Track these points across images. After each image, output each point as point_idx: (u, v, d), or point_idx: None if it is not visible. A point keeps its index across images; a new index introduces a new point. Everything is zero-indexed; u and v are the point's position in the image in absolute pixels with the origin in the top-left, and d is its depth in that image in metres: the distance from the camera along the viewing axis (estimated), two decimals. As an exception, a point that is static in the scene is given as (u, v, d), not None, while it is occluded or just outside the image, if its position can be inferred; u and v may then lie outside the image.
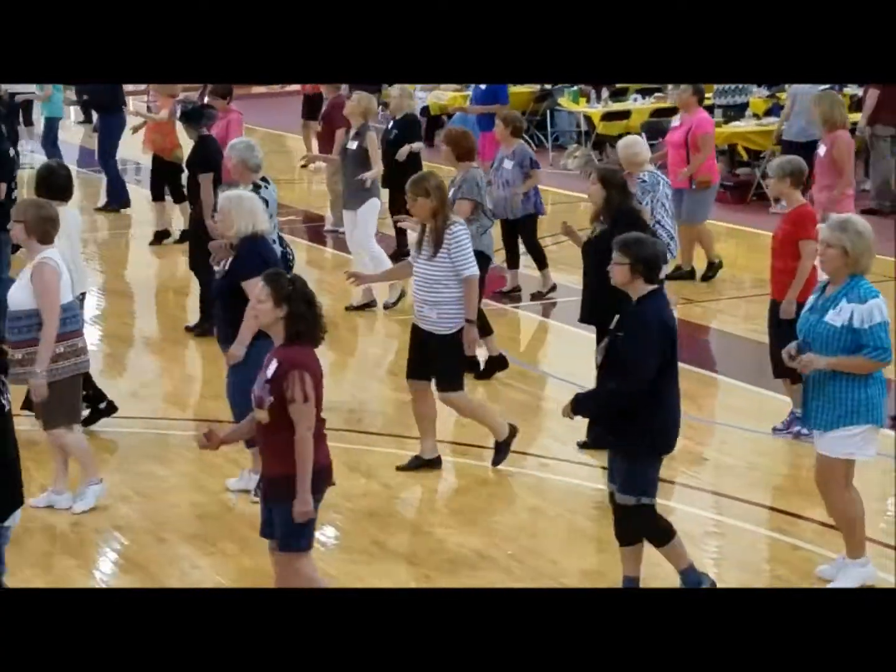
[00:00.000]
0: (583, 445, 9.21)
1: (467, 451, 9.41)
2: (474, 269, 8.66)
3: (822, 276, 7.58)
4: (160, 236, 15.95)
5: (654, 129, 19.60)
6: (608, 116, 19.79)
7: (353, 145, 12.71)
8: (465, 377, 9.22)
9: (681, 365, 7.13)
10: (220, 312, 8.57)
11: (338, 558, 7.89)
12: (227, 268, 8.36)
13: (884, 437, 9.08)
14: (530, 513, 8.53)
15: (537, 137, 22.30)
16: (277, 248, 9.36)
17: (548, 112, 21.79)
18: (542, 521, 8.40)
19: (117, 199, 17.69)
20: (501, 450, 9.03)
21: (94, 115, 20.36)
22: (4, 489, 5.92)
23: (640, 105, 20.49)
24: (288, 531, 6.41)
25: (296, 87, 17.47)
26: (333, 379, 10.43)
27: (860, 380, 6.98)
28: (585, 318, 9.17)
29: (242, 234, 8.27)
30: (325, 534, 8.24)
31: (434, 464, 9.03)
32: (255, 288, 7.45)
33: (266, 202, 9.41)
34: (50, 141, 19.22)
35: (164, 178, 15.85)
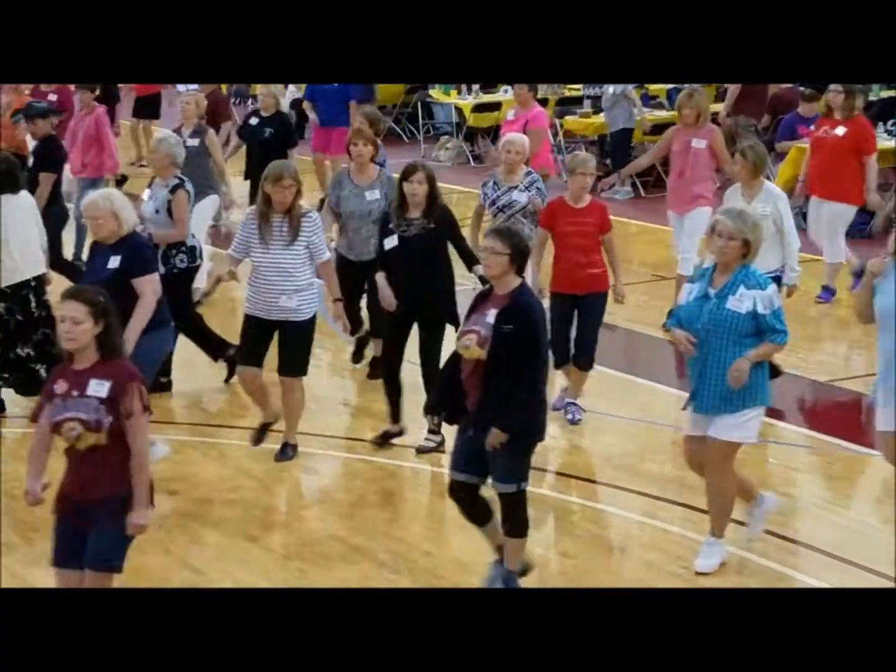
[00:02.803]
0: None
1: (338, 444, 9.35)
2: (328, 254, 8.86)
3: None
4: None
5: (525, 120, 19.68)
6: (479, 108, 19.84)
7: (194, 142, 12.48)
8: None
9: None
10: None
11: (209, 555, 7.78)
12: (116, 266, 8.25)
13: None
14: (402, 504, 8.50)
15: (409, 130, 22.31)
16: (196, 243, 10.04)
17: (419, 104, 21.78)
18: (414, 513, 8.37)
19: None
20: (263, 431, 9.14)
21: None
22: None
23: (510, 97, 20.51)
24: (112, 551, 6.03)
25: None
26: (188, 371, 10.36)
27: (756, 365, 7.13)
28: (411, 311, 9.01)
29: (131, 230, 8.28)
30: (195, 530, 8.13)
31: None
32: (149, 285, 8.16)
33: (189, 195, 9.92)
34: None
35: None
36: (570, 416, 9.65)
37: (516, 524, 6.97)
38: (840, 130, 12.55)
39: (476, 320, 6.77)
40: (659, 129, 17.54)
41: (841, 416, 10.16)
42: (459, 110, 20.22)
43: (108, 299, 6.04)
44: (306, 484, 8.88)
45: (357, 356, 10.88)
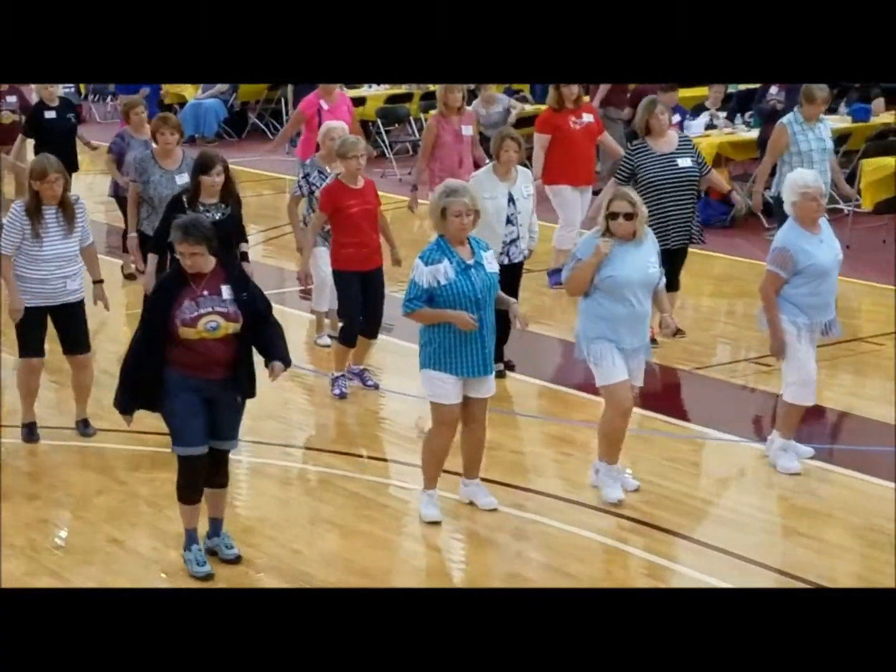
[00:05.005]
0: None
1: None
2: (92, 238, 9.16)
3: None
4: None
5: (390, 115, 19.68)
6: (344, 103, 19.70)
7: None
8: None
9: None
10: None
11: (73, 559, 7.62)
12: None
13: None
14: (269, 501, 8.41)
15: (273, 126, 22.16)
16: None
17: (283, 100, 21.65)
18: (282, 510, 8.27)
19: None
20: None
21: None
22: None
23: (374, 91, 20.53)
24: None
25: None
26: (50, 374, 10.15)
27: None
28: None
29: None
30: (58, 534, 7.99)
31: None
32: None
33: None
34: None
35: None
36: (370, 382, 10.18)
37: (227, 474, 7.50)
38: (588, 118, 12.73)
39: (205, 303, 7.02)
40: (523, 122, 17.65)
41: (705, 404, 10.25)
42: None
43: None
44: (172, 485, 8.71)
45: None
